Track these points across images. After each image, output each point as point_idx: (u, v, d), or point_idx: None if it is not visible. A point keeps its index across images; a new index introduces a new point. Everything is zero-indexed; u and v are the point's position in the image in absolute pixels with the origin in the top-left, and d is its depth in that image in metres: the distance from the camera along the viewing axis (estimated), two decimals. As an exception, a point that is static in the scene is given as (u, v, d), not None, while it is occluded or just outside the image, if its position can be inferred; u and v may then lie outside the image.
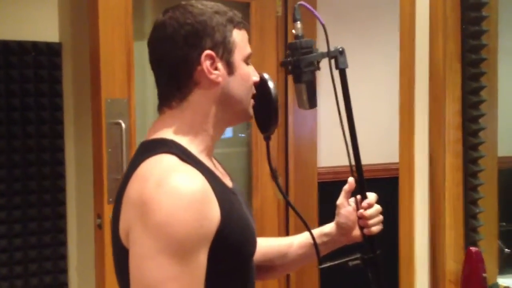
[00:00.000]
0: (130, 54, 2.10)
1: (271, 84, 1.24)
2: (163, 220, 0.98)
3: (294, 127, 2.62)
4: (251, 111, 1.22)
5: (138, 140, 2.15)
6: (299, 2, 1.33)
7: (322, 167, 2.74)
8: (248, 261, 1.19)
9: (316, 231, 1.42)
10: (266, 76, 1.25)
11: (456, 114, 1.81)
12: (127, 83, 2.09)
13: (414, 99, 1.90)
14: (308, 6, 1.33)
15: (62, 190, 2.22)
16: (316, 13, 1.33)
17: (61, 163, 2.21)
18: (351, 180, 1.39)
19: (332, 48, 1.34)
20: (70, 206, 2.26)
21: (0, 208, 2.11)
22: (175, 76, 1.15)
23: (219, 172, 1.21)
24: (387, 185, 2.22)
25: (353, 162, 1.37)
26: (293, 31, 1.33)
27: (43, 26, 2.18)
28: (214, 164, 1.22)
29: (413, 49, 1.88)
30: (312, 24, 2.60)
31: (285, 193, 1.31)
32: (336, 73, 1.33)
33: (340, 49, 1.34)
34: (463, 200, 1.85)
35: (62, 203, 2.22)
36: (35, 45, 2.15)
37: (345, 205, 1.39)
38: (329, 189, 2.74)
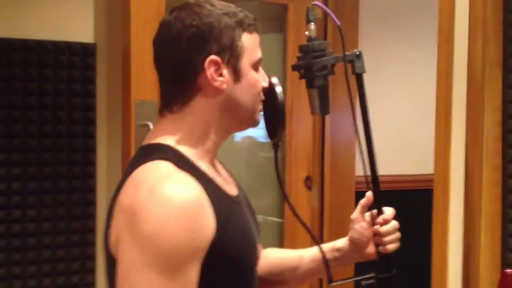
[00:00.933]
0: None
1: (278, 89, 1.18)
2: (152, 231, 0.94)
3: (331, 134, 2.53)
4: (258, 117, 1.17)
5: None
6: (313, 2, 1.26)
7: (361, 176, 2.62)
8: (247, 274, 1.13)
9: (328, 246, 1.35)
10: (274, 80, 1.19)
11: (495, 124, 1.69)
12: (157, 85, 2.06)
13: (451, 107, 1.78)
14: (322, 5, 1.26)
15: (92, 190, 2.22)
16: (331, 13, 1.26)
17: (92, 163, 2.21)
18: (369, 194, 1.31)
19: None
20: (100, 206, 2.25)
21: (30, 206, 2.13)
22: (178, 79, 1.10)
23: (222, 179, 1.16)
24: (422, 197, 2.11)
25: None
26: (306, 32, 1.27)
27: (78, 27, 2.19)
28: (217, 171, 1.17)
29: (452, 54, 1.77)
30: (351, 26, 2.52)
31: (292, 205, 1.24)
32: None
33: (357, 53, 1.27)
34: (501, 217, 1.71)
35: (92, 203, 2.22)
36: (69, 45, 2.16)
37: (360, 220, 1.31)
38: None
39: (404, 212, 2.56)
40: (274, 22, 2.53)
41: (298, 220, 1.24)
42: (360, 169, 2.59)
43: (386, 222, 1.29)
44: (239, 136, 2.72)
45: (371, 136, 1.30)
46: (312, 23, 1.25)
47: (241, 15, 1.12)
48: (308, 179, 2.48)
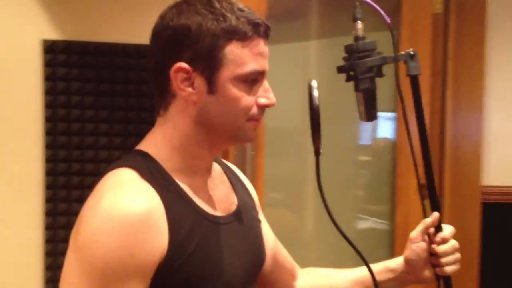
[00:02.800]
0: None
1: (315, 93, 1.09)
2: (86, 242, 0.91)
3: (453, 137, 2.32)
4: (247, 134, 1.06)
5: (268, 143, 2.12)
6: (360, -1, 1.16)
7: (490, 186, 2.38)
8: None
9: (381, 265, 1.25)
10: (312, 84, 1.10)
11: None
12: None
13: None
14: (371, 2, 1.16)
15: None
16: (380, 10, 1.16)
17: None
18: (436, 214, 1.18)
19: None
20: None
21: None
22: (157, 82, 1.05)
23: (205, 195, 1.07)
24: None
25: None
26: (353, 31, 1.18)
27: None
28: (204, 185, 1.08)
29: None
30: (477, 20, 2.27)
31: (334, 218, 1.14)
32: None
33: (411, 53, 1.15)
34: None
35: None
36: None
37: (419, 240, 1.19)
38: (497, 212, 2.39)
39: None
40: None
41: (341, 235, 1.14)
42: (490, 178, 2.37)
43: (444, 241, 1.16)
44: (368, 138, 2.63)
45: (428, 143, 1.18)
46: (359, 22, 1.16)
47: (235, 21, 0.99)
48: (422, 188, 2.30)
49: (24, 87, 2.01)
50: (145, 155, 1.03)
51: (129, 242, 0.89)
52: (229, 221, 1.09)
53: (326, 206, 1.13)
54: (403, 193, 2.30)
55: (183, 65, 0.99)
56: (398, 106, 2.30)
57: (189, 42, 0.98)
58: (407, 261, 1.21)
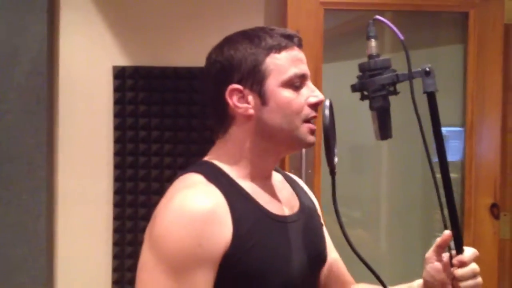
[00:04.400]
0: (318, 75, 2.08)
1: (325, 112, 1.11)
2: (160, 233, 1.01)
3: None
4: (303, 137, 1.13)
5: (323, 163, 2.11)
6: (374, 17, 1.15)
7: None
8: None
9: (404, 287, 1.22)
10: (326, 102, 1.12)
11: None
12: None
13: None
14: (385, 20, 1.14)
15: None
16: (394, 28, 1.14)
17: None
18: (447, 233, 1.14)
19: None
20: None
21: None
22: (215, 112, 1.16)
23: (268, 197, 1.15)
24: None
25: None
26: (367, 50, 1.16)
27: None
28: (267, 189, 1.17)
29: None
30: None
31: (350, 240, 1.13)
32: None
33: (427, 69, 1.12)
34: None
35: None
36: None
37: (432, 261, 1.16)
38: None
39: None
40: (453, 33, 2.30)
41: (357, 256, 1.13)
42: None
43: (462, 264, 1.10)
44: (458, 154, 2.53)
45: (447, 164, 1.13)
46: (373, 40, 1.14)
47: (270, 38, 1.11)
48: (494, 207, 2.18)
49: (99, 111, 2.16)
50: (209, 164, 1.14)
51: (198, 234, 0.99)
52: (291, 220, 1.16)
53: (342, 227, 1.13)
54: (473, 213, 2.19)
55: (235, 86, 1.11)
56: (466, 121, 2.21)
57: (235, 67, 1.11)
58: (425, 283, 1.17)
